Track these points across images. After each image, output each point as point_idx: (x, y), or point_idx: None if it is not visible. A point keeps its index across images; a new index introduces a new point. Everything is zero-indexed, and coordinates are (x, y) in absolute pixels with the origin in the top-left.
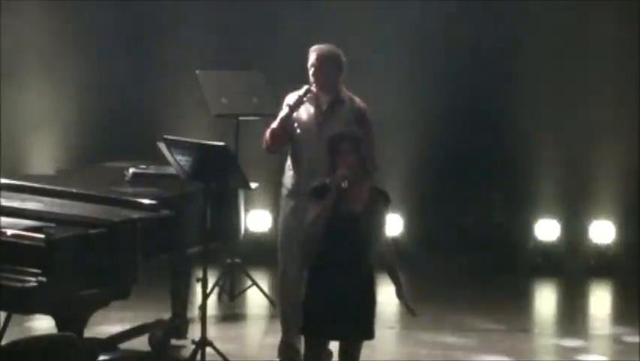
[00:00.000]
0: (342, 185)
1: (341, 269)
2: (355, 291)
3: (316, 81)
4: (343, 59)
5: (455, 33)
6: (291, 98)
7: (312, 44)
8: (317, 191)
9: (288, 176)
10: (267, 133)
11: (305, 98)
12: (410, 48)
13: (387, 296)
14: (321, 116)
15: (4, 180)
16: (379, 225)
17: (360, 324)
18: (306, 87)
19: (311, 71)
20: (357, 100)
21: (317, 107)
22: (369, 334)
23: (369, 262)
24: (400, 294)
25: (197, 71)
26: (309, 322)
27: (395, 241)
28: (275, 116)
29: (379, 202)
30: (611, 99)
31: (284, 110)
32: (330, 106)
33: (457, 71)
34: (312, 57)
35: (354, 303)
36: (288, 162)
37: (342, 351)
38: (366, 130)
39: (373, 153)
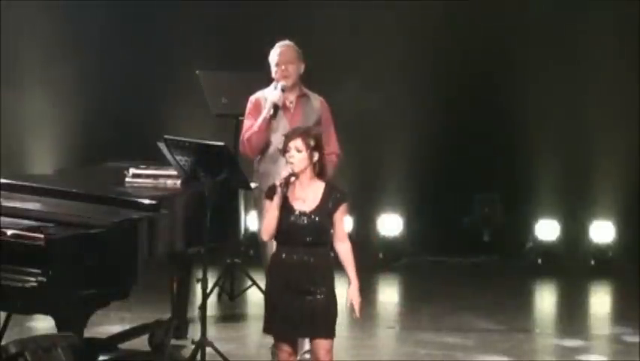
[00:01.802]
0: (281, 188)
1: (296, 269)
2: (312, 289)
3: (288, 78)
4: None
5: (455, 32)
6: (269, 95)
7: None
8: (268, 193)
9: (262, 176)
10: (250, 137)
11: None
12: (410, 48)
13: (387, 296)
14: (290, 114)
15: (4, 180)
16: (334, 222)
17: (318, 322)
18: (281, 84)
19: (280, 68)
20: (314, 94)
21: (284, 106)
22: (328, 332)
23: (326, 259)
24: (352, 293)
25: (197, 71)
26: (268, 320)
27: (395, 241)
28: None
29: (333, 199)
30: (611, 99)
31: (266, 111)
32: (297, 102)
33: (457, 71)
34: (278, 54)
35: (310, 301)
36: (256, 165)
37: (312, 349)
38: (330, 120)
39: (336, 140)
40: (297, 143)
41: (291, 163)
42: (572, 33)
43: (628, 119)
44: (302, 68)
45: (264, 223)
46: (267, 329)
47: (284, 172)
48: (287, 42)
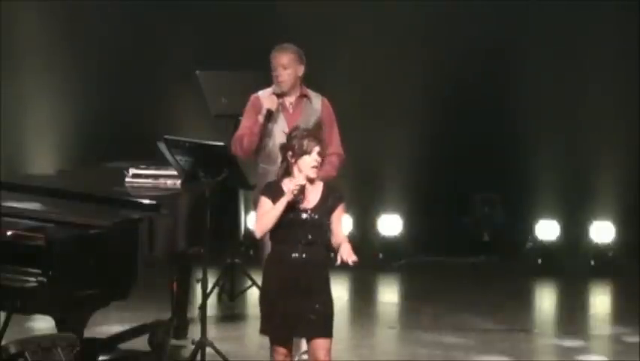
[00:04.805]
0: (295, 196)
1: (295, 268)
2: (311, 288)
3: (282, 83)
4: (304, 57)
5: (456, 33)
6: (265, 98)
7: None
8: (268, 192)
9: (260, 176)
10: (242, 138)
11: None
12: (410, 48)
13: (387, 296)
14: (289, 115)
15: (4, 180)
16: (332, 221)
17: (318, 322)
18: (275, 89)
19: (275, 73)
20: (317, 94)
21: (284, 107)
22: (327, 331)
23: (324, 258)
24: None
25: (197, 71)
26: (265, 321)
27: (395, 241)
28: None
29: (332, 198)
30: (610, 99)
31: (261, 115)
32: (296, 103)
33: (458, 71)
34: (273, 58)
35: (309, 301)
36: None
37: (310, 350)
38: (332, 120)
39: (339, 141)
40: (318, 149)
41: (315, 169)
42: (572, 32)
43: (628, 119)
44: (301, 70)
45: (261, 221)
46: (264, 330)
47: (297, 182)
48: (284, 45)
